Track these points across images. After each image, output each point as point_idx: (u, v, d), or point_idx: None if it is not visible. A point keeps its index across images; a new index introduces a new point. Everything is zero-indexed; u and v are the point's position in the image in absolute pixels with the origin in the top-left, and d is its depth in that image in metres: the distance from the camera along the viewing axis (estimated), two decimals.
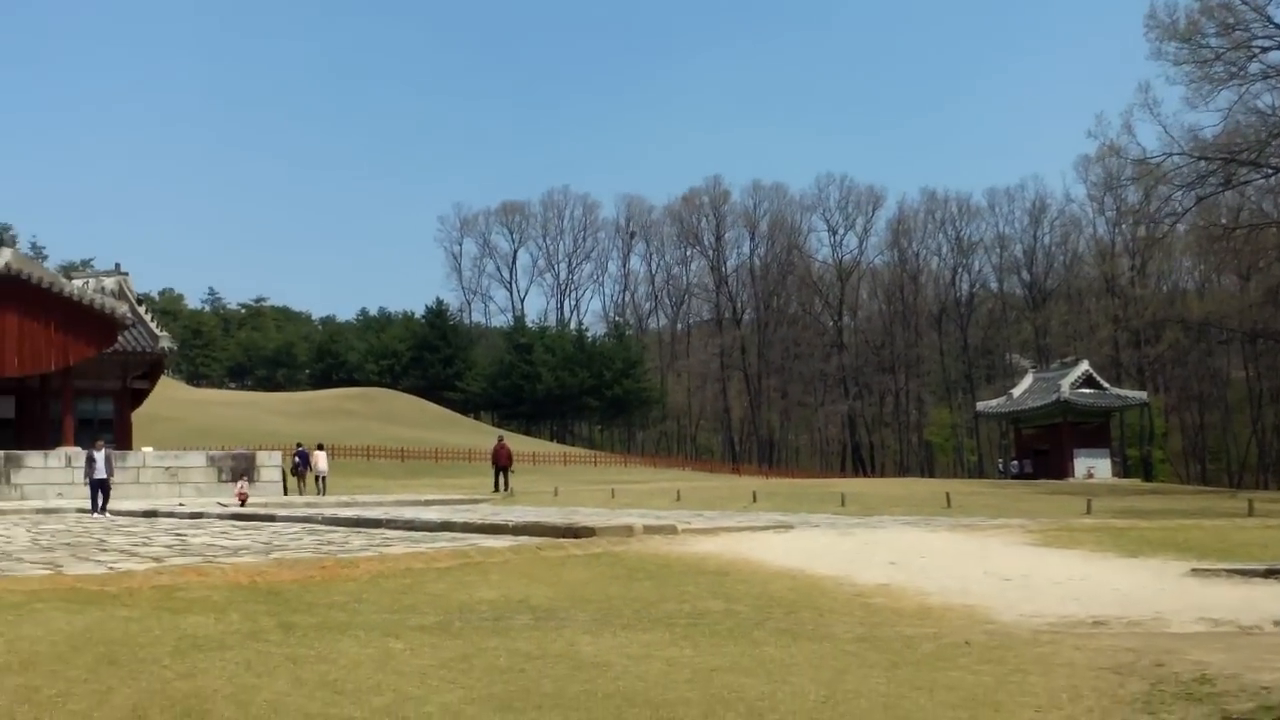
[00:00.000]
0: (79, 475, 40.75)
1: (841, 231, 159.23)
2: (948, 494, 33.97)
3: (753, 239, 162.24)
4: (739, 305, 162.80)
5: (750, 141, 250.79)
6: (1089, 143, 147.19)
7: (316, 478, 48.99)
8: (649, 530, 19.65)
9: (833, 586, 14.47)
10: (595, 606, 12.89)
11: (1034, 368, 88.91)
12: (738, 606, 13.03)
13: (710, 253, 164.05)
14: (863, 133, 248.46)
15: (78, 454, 41.93)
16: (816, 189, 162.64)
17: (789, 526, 22.49)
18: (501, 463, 51.38)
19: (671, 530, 19.92)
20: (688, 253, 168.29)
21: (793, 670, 9.73)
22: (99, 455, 32.91)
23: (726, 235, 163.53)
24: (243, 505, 33.42)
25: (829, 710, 8.41)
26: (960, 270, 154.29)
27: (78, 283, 47.31)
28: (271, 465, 46.03)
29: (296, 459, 48.76)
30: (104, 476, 32.83)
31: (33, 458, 41.63)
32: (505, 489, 49.53)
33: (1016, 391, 79.95)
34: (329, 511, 29.05)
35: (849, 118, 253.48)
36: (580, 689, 8.99)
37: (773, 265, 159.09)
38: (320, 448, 51.42)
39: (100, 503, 32.48)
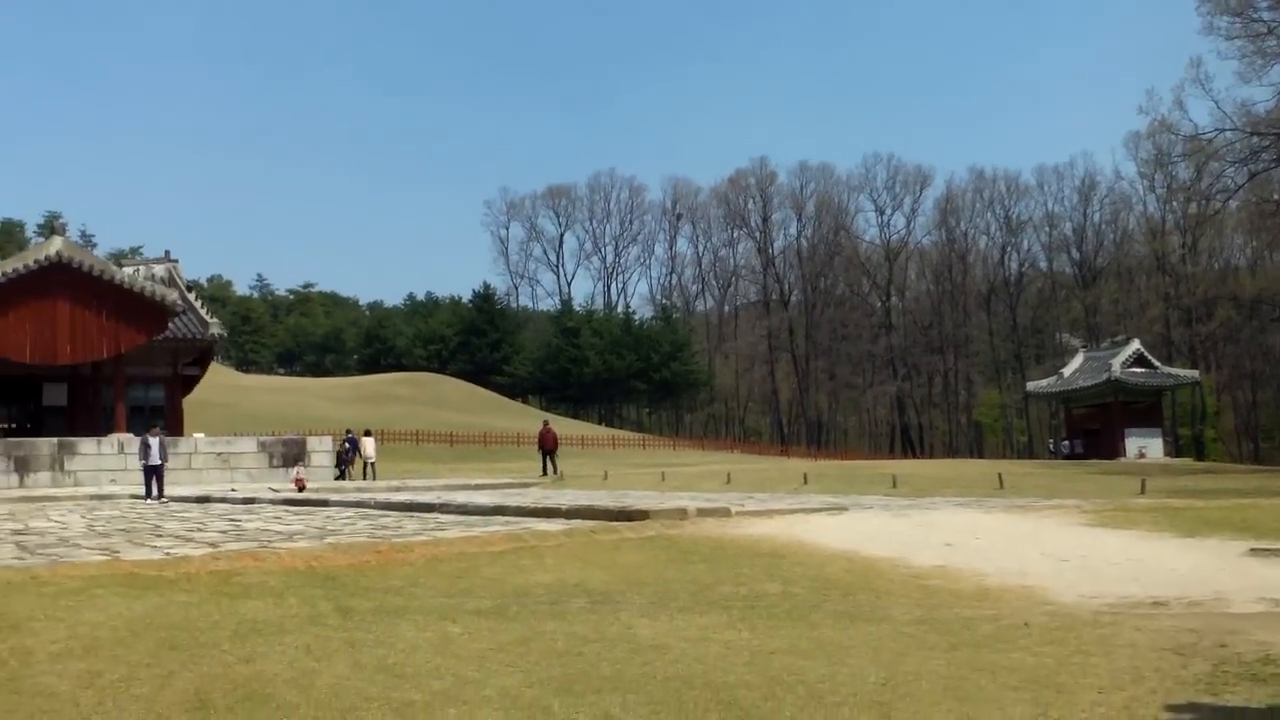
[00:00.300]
0: (131, 461, 41.06)
1: (889, 211, 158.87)
2: (1000, 475, 33.73)
3: (800, 220, 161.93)
4: (786, 287, 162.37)
5: (796, 122, 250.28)
6: (1140, 119, 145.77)
7: (365, 464, 49.20)
8: (702, 513, 19.59)
9: (889, 568, 14.39)
10: (651, 590, 12.86)
11: (1084, 347, 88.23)
12: (794, 589, 12.97)
13: (757, 234, 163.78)
14: (910, 112, 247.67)
15: (130, 440, 42.22)
16: (864, 169, 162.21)
17: (842, 509, 22.36)
18: (548, 447, 51.52)
19: (725, 513, 19.86)
20: (734, 234, 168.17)
21: (851, 652, 9.68)
22: (153, 441, 33.17)
23: (773, 217, 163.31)
24: (300, 491, 33.49)
25: (889, 692, 8.35)
26: (1009, 249, 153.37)
27: (128, 270, 47.56)
28: (322, 451, 46.23)
29: (346, 445, 48.96)
30: (158, 462, 33.07)
31: (86, 444, 41.91)
32: (553, 473, 49.60)
33: (1067, 371, 79.32)
34: (381, 496, 29.14)
35: (896, 97, 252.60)
36: (639, 672, 8.96)
37: (820, 246, 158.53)
38: (368, 433, 51.62)
39: (155, 489, 32.67)
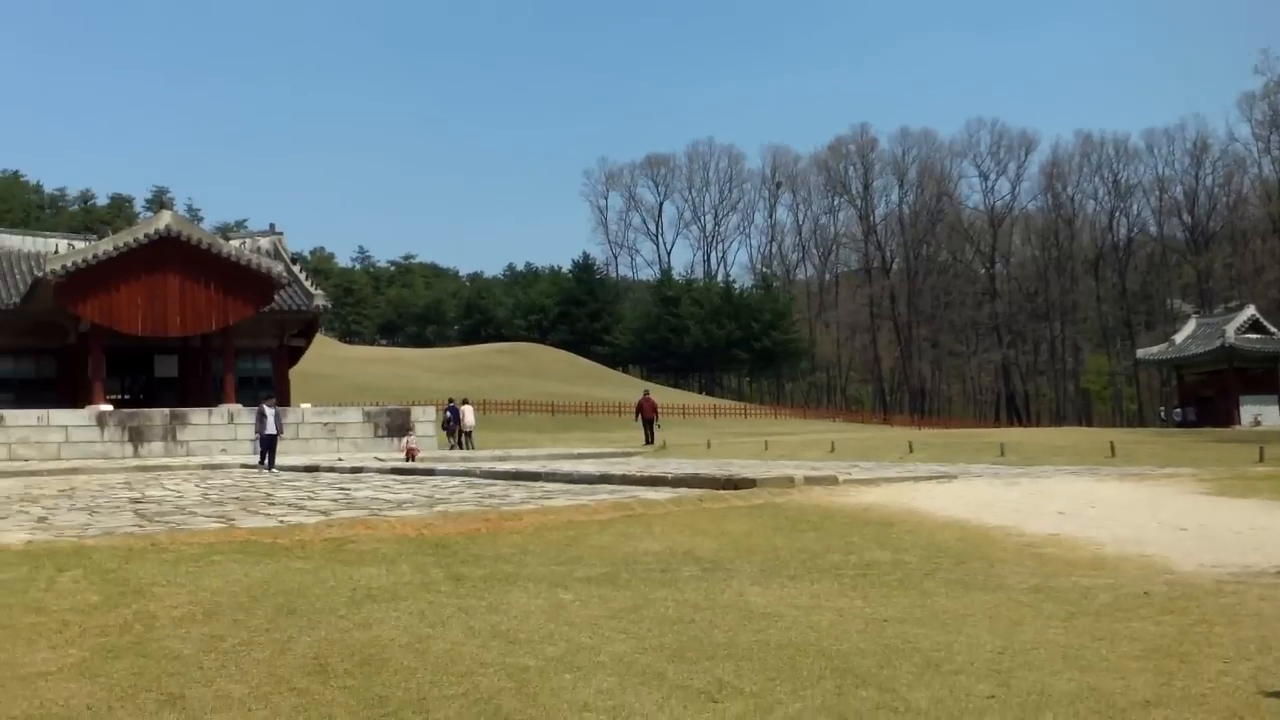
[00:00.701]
0: (241, 431, 41.72)
1: (993, 177, 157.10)
2: (1111, 443, 33.21)
3: (901, 186, 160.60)
4: (888, 254, 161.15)
5: (897, 87, 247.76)
6: (1255, 79, 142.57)
7: (464, 433, 49.57)
8: (810, 481, 19.51)
9: (1001, 536, 14.23)
10: (761, 557, 12.82)
11: (1197, 313, 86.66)
12: (905, 557, 12.87)
13: (858, 201, 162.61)
14: (1014, 76, 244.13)
15: (239, 411, 42.88)
16: (967, 134, 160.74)
17: (951, 477, 22.16)
18: (647, 415, 51.66)
19: (832, 481, 19.75)
20: (835, 202, 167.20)
21: (967, 621, 9.58)
22: (269, 412, 33.69)
23: (875, 183, 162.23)
24: (412, 460, 33.72)
25: (1007, 660, 8.26)
26: (1118, 214, 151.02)
27: (234, 243, 48.17)
28: (425, 420, 46.60)
29: (448, 414, 49.29)
30: (273, 432, 33.60)
31: (197, 415, 42.58)
32: (653, 441, 49.68)
33: (1179, 337, 77.94)
34: (487, 465, 29.33)
35: (999, 60, 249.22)
36: (752, 639, 8.94)
37: (922, 213, 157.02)
38: (465, 402, 51.98)
39: (268, 458, 33.14)
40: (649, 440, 50.11)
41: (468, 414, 49.98)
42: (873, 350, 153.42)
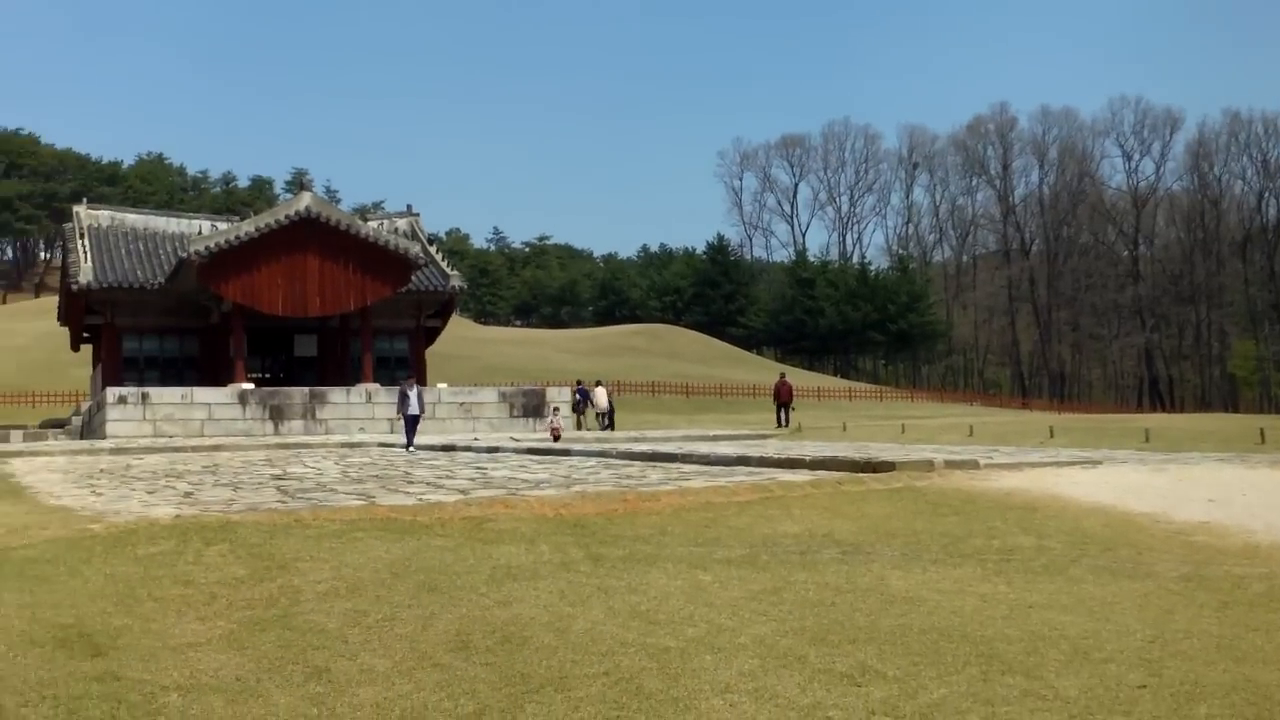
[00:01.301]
0: (379, 411, 42.23)
1: (1137, 157, 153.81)
2: (1261, 429, 32.25)
3: (1042, 167, 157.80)
4: (1027, 235, 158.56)
5: (1037, 65, 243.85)
6: None
7: (597, 415, 49.70)
8: (950, 465, 19.23)
9: (1149, 523, 13.91)
10: (901, 541, 12.68)
11: None
12: (1049, 543, 12.64)
13: (997, 182, 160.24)
14: (1159, 52, 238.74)
15: (377, 390, 43.38)
16: (1109, 113, 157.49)
17: (1094, 462, 21.69)
18: (783, 399, 51.51)
19: (973, 465, 19.46)
20: (973, 182, 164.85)
21: (1115, 608, 9.39)
22: (411, 392, 33.67)
23: (1014, 163, 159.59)
24: (556, 440, 33.74)
25: (1158, 649, 8.08)
26: (1267, 194, 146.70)
27: (372, 224, 48.65)
28: (561, 401, 46.77)
29: (577, 396, 49.46)
30: (416, 412, 33.55)
31: (335, 394, 43.12)
32: (786, 424, 49.48)
33: None
34: (623, 446, 29.35)
35: (1143, 35, 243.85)
36: (894, 623, 8.85)
37: (1063, 193, 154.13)
38: (599, 384, 52.12)
39: (409, 438, 33.16)
40: (783, 423, 49.93)
41: (600, 395, 50.10)
42: (1011, 333, 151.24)
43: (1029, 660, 7.82)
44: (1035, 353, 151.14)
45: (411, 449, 32.16)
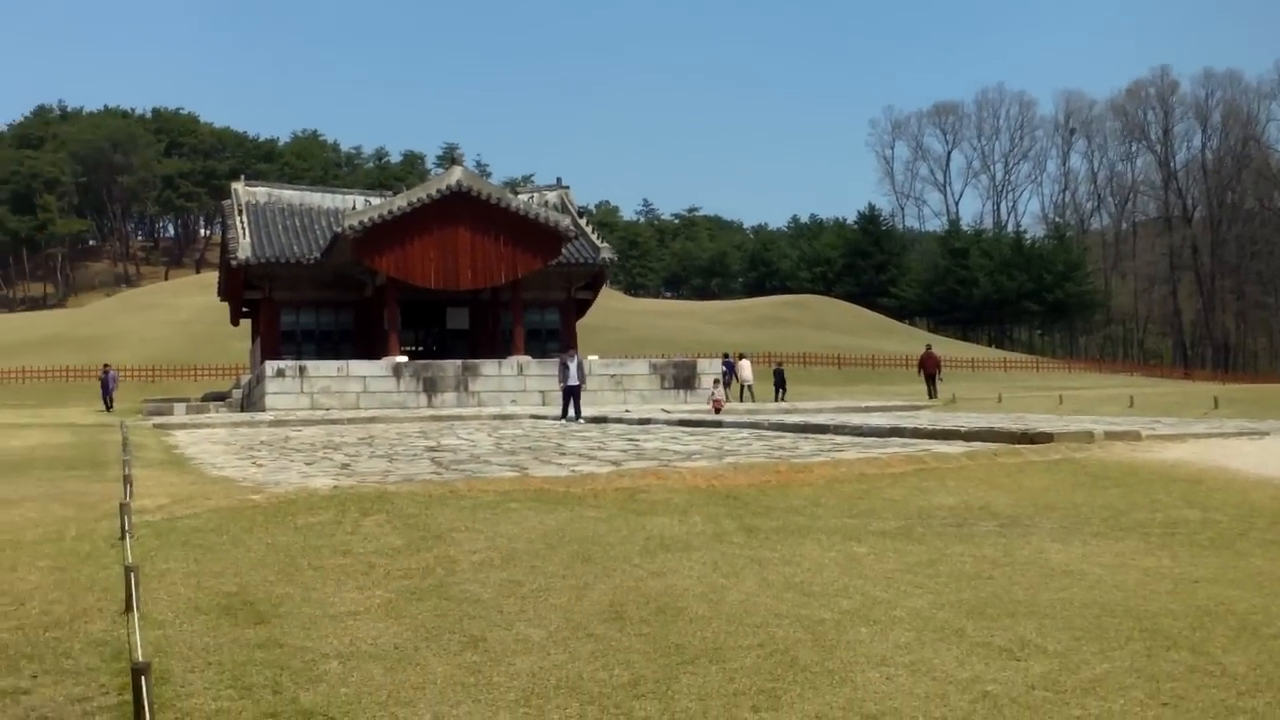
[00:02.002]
0: (530, 383, 42.59)
1: None
2: None
3: (1204, 131, 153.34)
4: (1189, 202, 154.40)
5: (1200, 26, 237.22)
6: None
7: (742, 386, 49.66)
8: (1110, 436, 18.80)
9: None
10: (1060, 514, 12.44)
11: None
12: (1215, 516, 12.30)
13: (1157, 148, 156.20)
14: None
15: (529, 363, 43.74)
16: (1276, 74, 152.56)
17: (1262, 433, 21.04)
18: (929, 370, 51.11)
19: (1135, 436, 19.01)
20: (1133, 148, 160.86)
21: None
22: (571, 363, 33.84)
23: (1175, 128, 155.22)
24: (718, 412, 33.54)
25: None
26: None
27: (522, 198, 48.98)
28: (711, 373, 46.74)
29: (724, 368, 49.44)
30: (575, 383, 33.66)
31: (487, 366, 43.55)
32: (933, 396, 49.04)
33: None
34: (774, 417, 29.28)
35: None
36: (1054, 597, 8.69)
37: (1226, 159, 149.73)
38: (743, 356, 52.08)
39: (572, 409, 33.27)
40: (932, 394, 49.50)
41: (745, 368, 50.06)
42: (1172, 302, 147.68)
43: (1194, 636, 7.62)
44: (1198, 322, 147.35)
45: (567, 420, 32.17)
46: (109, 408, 51.61)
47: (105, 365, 59.05)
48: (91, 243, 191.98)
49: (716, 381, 41.27)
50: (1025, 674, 6.80)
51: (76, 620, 8.45)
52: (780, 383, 53.78)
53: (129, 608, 7.85)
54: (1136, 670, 6.85)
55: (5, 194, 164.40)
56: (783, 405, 43.53)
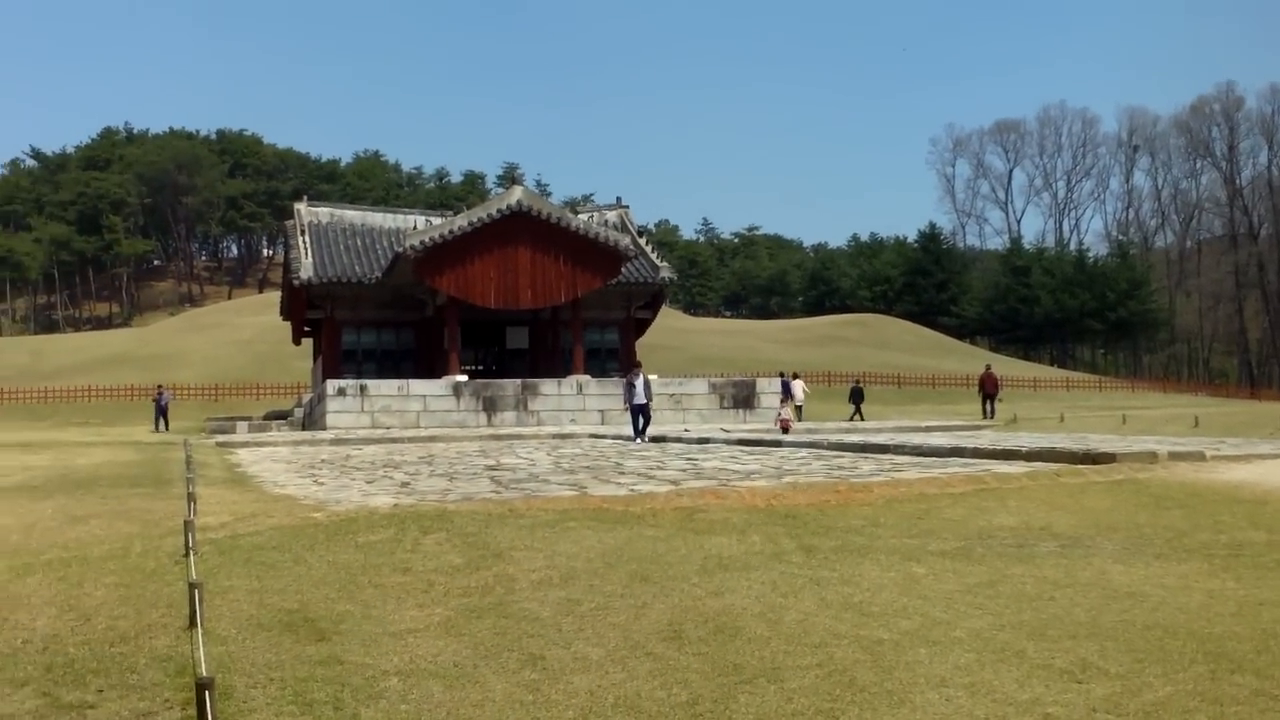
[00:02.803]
0: (590, 402, 42.65)
1: None
2: None
3: (1271, 147, 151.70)
4: (1255, 219, 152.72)
5: (1266, 41, 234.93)
6: None
7: (794, 406, 49.62)
8: (1174, 456, 18.63)
9: None
10: (1123, 535, 12.33)
11: None
12: None
13: (1223, 164, 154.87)
14: None
15: (588, 382, 43.81)
16: None
17: None
18: (988, 390, 50.91)
19: (1199, 457, 18.82)
20: (1197, 165, 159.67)
21: None
22: (638, 381, 32.98)
23: (1240, 144, 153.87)
24: (785, 432, 33.06)
25: None
26: None
27: (582, 217, 49.11)
28: (770, 392, 46.61)
29: (781, 387, 49.33)
30: (643, 402, 32.79)
31: (547, 385, 43.66)
32: (990, 416, 48.76)
33: None
34: (833, 437, 29.16)
35: None
36: (1116, 619, 8.62)
37: None
38: (796, 376, 52.03)
39: (641, 427, 32.48)
40: (989, 415, 49.24)
41: (797, 388, 49.99)
42: (1238, 321, 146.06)
43: (1260, 659, 7.53)
44: (1265, 341, 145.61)
45: (638, 440, 31.54)
46: (163, 428, 51.98)
47: (159, 386, 59.65)
48: (156, 263, 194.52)
49: (783, 401, 40.99)
50: (1087, 696, 6.75)
51: (141, 635, 8.54)
52: (858, 400, 53.74)
53: (193, 624, 7.93)
54: (1200, 694, 6.78)
55: (73, 215, 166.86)
56: (852, 424, 43.40)
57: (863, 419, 50.17)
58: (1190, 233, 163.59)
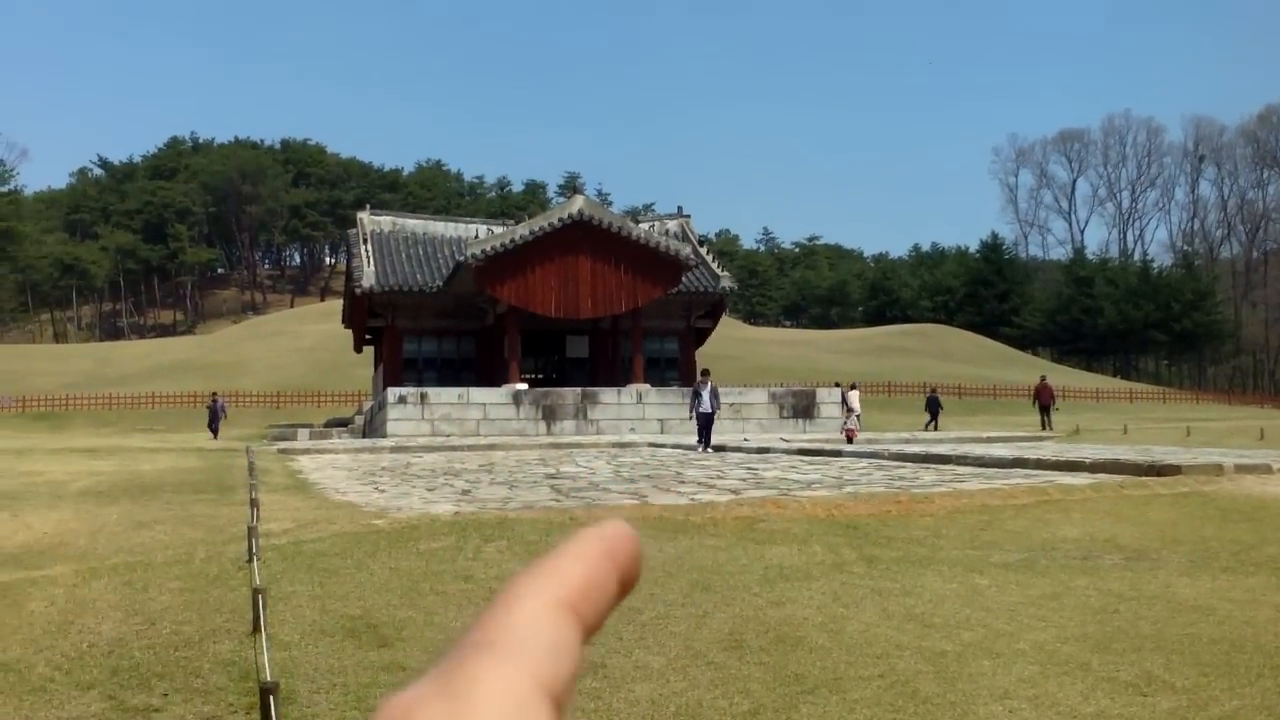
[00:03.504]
0: (649, 411, 42.65)
1: None
2: None
3: None
4: None
5: None
6: None
7: (850, 415, 49.48)
8: (1240, 469, 18.43)
9: None
10: (1188, 547, 12.20)
11: None
12: None
13: None
14: None
15: (648, 391, 43.78)
16: None
17: None
18: (1044, 401, 50.68)
19: (1265, 470, 18.59)
20: (1264, 175, 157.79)
21: None
22: (704, 390, 32.15)
23: None
24: (850, 442, 32.62)
25: None
26: None
27: (643, 227, 49.08)
28: (830, 402, 46.49)
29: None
30: (709, 410, 31.99)
31: (606, 394, 43.66)
32: (1048, 428, 48.46)
33: None
34: (894, 447, 29.04)
35: None
36: (1181, 632, 8.53)
37: None
38: (853, 387, 51.90)
39: (704, 438, 31.83)
40: (1047, 426, 48.96)
41: (854, 398, 49.89)
42: None
43: None
44: None
45: (708, 449, 31.04)
46: (215, 435, 52.00)
47: (214, 393, 59.00)
48: (220, 271, 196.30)
49: (849, 411, 40.60)
50: (1152, 710, 6.69)
51: (206, 640, 8.62)
52: (934, 410, 53.52)
53: (256, 629, 8.00)
54: (1267, 708, 6.70)
55: (138, 224, 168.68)
56: (902, 435, 43.19)
57: (937, 429, 49.99)
58: (1257, 243, 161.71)
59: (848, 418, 37.67)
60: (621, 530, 0.68)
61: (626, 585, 0.67)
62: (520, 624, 0.61)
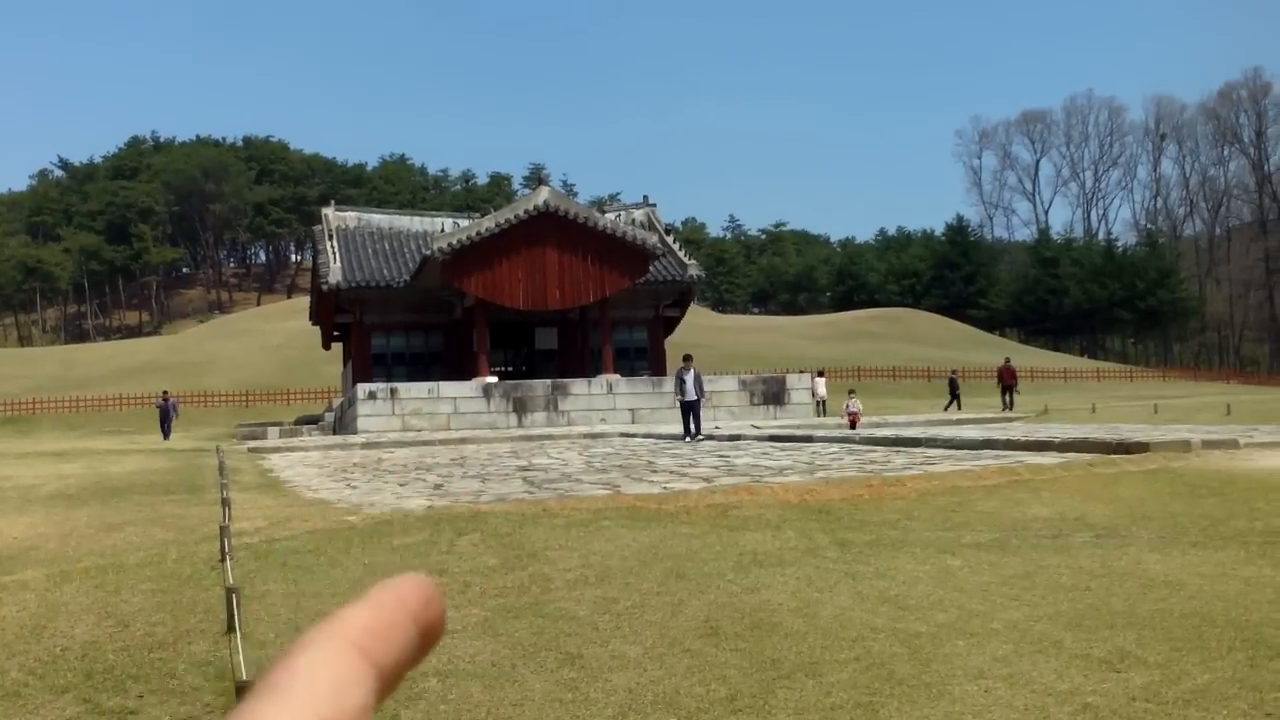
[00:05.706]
0: (620, 401, 42.66)
1: None
2: None
3: None
4: None
5: None
6: None
7: (818, 402, 49.76)
8: (1207, 445, 18.55)
9: None
10: (1158, 524, 12.28)
11: None
12: None
13: (1250, 151, 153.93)
14: None
15: (617, 381, 43.80)
16: None
17: None
18: (1007, 382, 51.14)
19: (1233, 445, 18.73)
20: (1225, 152, 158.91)
21: None
22: (688, 377, 31.32)
23: (1268, 130, 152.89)
24: (854, 428, 32.34)
25: None
26: None
27: (609, 216, 49.03)
28: (800, 389, 46.61)
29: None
30: (694, 399, 31.13)
31: (577, 385, 43.67)
32: (1010, 408, 48.78)
33: None
34: (865, 432, 29.12)
35: None
36: (1153, 608, 8.59)
37: None
38: (820, 373, 52.22)
39: (693, 427, 30.95)
40: (1008, 406, 49.34)
41: (820, 385, 50.18)
42: (1269, 307, 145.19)
43: None
44: None
45: (691, 439, 30.13)
46: (166, 435, 50.62)
47: (164, 392, 57.04)
48: (185, 270, 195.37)
49: (851, 393, 39.49)
50: (1126, 685, 6.74)
51: (180, 641, 8.60)
52: (955, 392, 54.04)
53: (231, 628, 7.98)
54: (1239, 681, 6.76)
55: (101, 225, 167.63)
56: (872, 419, 43.30)
57: (960, 409, 50.43)
58: (1219, 220, 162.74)
59: (850, 401, 36.48)
60: (416, 579, 0.71)
61: (428, 630, 0.71)
62: (304, 668, 0.65)
